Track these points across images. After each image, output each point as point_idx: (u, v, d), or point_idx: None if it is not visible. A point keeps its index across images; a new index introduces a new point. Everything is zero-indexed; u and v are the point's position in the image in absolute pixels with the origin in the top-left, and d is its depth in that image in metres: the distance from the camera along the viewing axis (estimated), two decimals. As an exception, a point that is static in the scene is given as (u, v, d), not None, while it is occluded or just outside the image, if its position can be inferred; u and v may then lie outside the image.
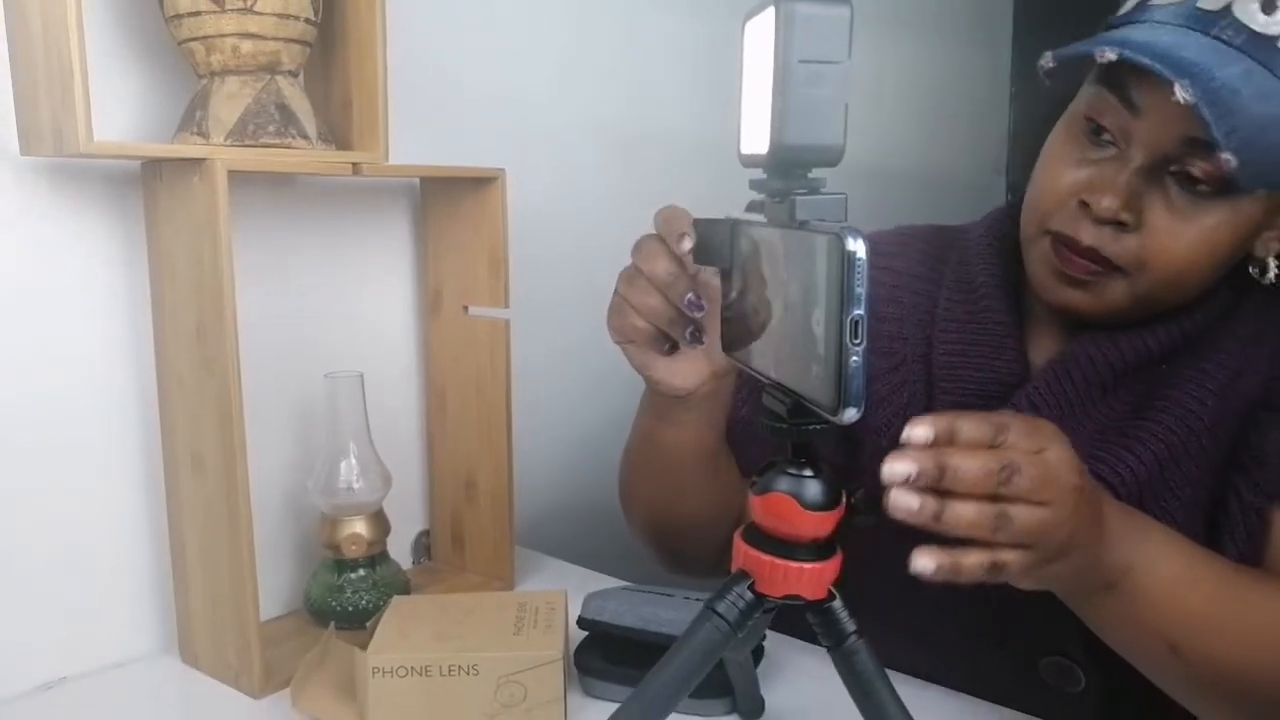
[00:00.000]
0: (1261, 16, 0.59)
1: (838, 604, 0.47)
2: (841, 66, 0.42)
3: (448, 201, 0.89)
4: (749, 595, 0.46)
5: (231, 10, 0.69)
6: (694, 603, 0.70)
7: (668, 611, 0.70)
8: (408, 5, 0.80)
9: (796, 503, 0.45)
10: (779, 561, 0.46)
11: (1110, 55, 0.60)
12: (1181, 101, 0.57)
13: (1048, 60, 0.66)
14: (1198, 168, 0.62)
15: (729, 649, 0.58)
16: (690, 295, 0.60)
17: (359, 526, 0.81)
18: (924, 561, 0.49)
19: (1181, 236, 0.64)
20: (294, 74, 0.74)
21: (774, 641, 0.78)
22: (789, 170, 0.45)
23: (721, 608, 0.46)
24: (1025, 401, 0.71)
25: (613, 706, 0.69)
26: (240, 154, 0.69)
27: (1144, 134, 0.63)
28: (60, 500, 0.73)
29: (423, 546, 0.98)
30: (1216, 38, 0.60)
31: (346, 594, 0.81)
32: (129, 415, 0.76)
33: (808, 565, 0.46)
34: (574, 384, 1.14)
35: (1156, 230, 0.64)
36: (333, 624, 0.78)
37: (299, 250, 0.85)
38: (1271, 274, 0.69)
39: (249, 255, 0.80)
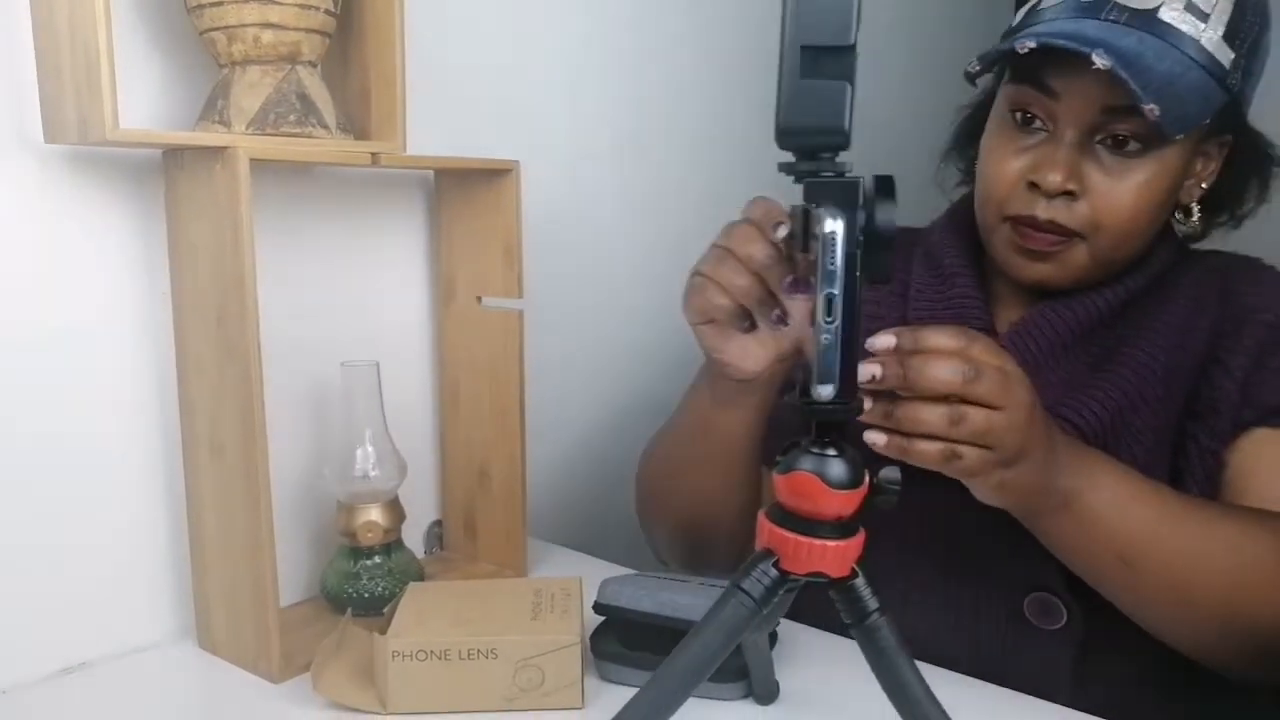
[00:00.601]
0: None
1: (860, 581, 0.47)
2: (845, 51, 0.43)
3: (462, 193, 0.90)
4: (774, 572, 0.47)
5: (253, 0, 0.69)
6: (709, 588, 0.71)
7: (683, 596, 0.70)
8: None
9: (821, 481, 0.46)
10: (803, 539, 0.46)
11: (1030, 44, 0.69)
12: (1100, 67, 0.66)
13: (973, 65, 0.74)
14: (1122, 129, 0.72)
15: (752, 627, 0.59)
16: (790, 278, 0.63)
17: (375, 514, 0.82)
18: (874, 436, 0.56)
19: (1124, 193, 0.73)
20: (314, 64, 0.75)
21: (787, 628, 0.79)
22: (800, 152, 0.46)
23: (747, 585, 0.47)
24: None
25: (629, 691, 0.70)
26: (262, 143, 0.70)
27: (1068, 113, 0.73)
28: (79, 486, 0.74)
29: (435, 536, 0.98)
30: (1105, 19, 0.71)
31: (362, 581, 0.81)
32: (148, 402, 0.77)
33: (831, 543, 0.46)
34: (585, 375, 1.15)
35: (1101, 193, 0.73)
36: (350, 610, 0.78)
37: (314, 240, 0.86)
38: (1195, 219, 0.80)
39: (264, 244, 0.81)
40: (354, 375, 0.81)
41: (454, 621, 0.70)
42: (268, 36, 0.71)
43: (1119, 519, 0.65)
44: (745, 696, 0.70)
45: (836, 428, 0.47)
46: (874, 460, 0.49)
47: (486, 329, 0.90)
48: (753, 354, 0.70)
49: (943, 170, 0.92)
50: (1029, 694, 0.71)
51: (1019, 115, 0.76)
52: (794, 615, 0.79)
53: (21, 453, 0.71)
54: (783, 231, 0.61)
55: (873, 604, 0.47)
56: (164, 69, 0.76)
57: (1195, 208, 0.79)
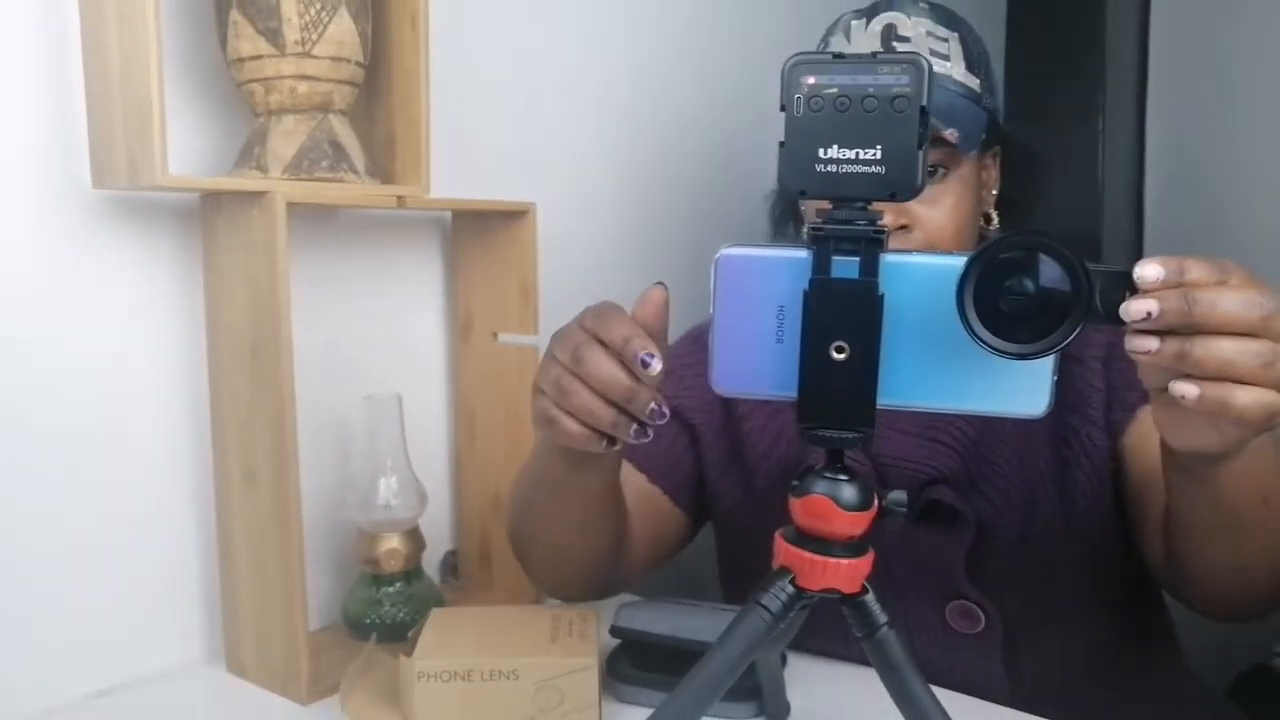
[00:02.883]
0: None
1: (870, 597, 0.51)
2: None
3: (478, 233, 0.94)
4: (790, 589, 0.50)
5: (291, 54, 0.74)
6: (720, 612, 0.74)
7: (696, 620, 0.73)
8: (439, 48, 0.85)
9: (834, 503, 0.50)
10: (817, 558, 0.50)
11: None
12: None
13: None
14: (931, 158, 0.80)
15: (769, 641, 0.63)
16: (652, 406, 0.55)
17: (396, 542, 0.85)
18: (1185, 387, 0.47)
19: (945, 214, 0.81)
20: (344, 113, 0.79)
21: (797, 657, 0.82)
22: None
23: (765, 600, 0.50)
24: None
25: (644, 711, 0.73)
26: (297, 187, 0.74)
27: None
28: (115, 515, 0.77)
29: (450, 565, 1.01)
30: None
31: (384, 607, 0.84)
32: (181, 432, 0.80)
33: (844, 561, 0.50)
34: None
35: (926, 218, 0.80)
36: (374, 635, 0.81)
37: (337, 279, 0.90)
38: (995, 224, 0.88)
39: (295, 286, 0.85)
40: (377, 407, 0.84)
41: (477, 644, 0.73)
42: (303, 88, 0.75)
43: (1273, 459, 0.62)
44: (758, 716, 0.73)
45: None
46: (882, 484, 0.53)
47: (502, 363, 0.94)
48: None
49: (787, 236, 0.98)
50: (973, 695, 0.77)
51: None
52: (803, 646, 0.82)
53: (59, 483, 0.74)
54: (657, 367, 0.54)
55: (882, 618, 0.50)
56: (198, 118, 0.80)
57: (994, 214, 0.89)
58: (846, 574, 0.50)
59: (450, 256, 0.98)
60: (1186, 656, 0.92)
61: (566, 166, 1.10)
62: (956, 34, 0.84)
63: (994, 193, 0.90)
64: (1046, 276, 0.45)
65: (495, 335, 0.94)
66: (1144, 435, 0.78)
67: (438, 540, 1.00)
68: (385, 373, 0.94)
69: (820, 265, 0.49)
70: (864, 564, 0.51)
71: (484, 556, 0.99)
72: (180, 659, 0.81)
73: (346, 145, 0.78)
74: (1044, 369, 0.48)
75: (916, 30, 0.83)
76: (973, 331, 0.45)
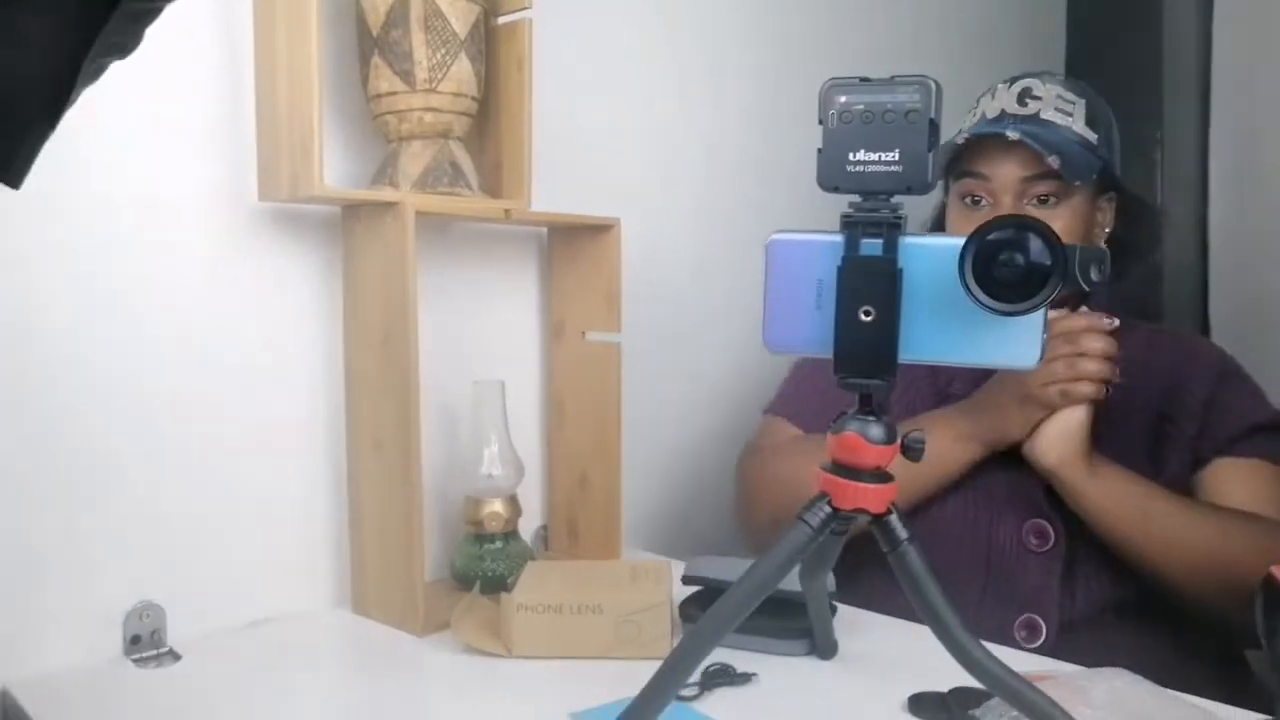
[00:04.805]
0: (1019, 107, 1.02)
1: (894, 517, 0.62)
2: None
3: (570, 245, 1.08)
4: (827, 508, 0.62)
5: (420, 90, 0.89)
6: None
7: (757, 569, 0.85)
8: (540, 83, 1.00)
9: (863, 439, 0.61)
10: (849, 483, 0.61)
11: (965, 136, 1.00)
12: (1012, 139, 0.95)
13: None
14: (1040, 190, 0.98)
15: (808, 570, 0.74)
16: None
17: (498, 506, 0.98)
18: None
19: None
20: (461, 139, 0.94)
21: (846, 609, 0.93)
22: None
23: (807, 515, 0.62)
24: None
25: (715, 649, 0.84)
26: (424, 199, 0.89)
27: (999, 187, 0.99)
28: (265, 476, 0.92)
29: (541, 539, 1.14)
30: (1006, 125, 0.99)
31: (486, 562, 0.97)
32: (320, 408, 0.95)
33: (871, 486, 0.61)
34: (676, 404, 1.31)
35: None
36: (479, 583, 0.94)
37: (453, 283, 1.05)
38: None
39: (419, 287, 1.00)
40: (483, 390, 0.98)
41: (567, 585, 0.86)
42: (429, 118, 0.90)
43: (1137, 486, 0.92)
44: (808, 653, 0.84)
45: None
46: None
47: (589, 358, 1.07)
48: None
49: None
50: (1031, 604, 0.95)
51: (968, 199, 1.02)
52: (855, 601, 0.93)
53: (223, 448, 0.89)
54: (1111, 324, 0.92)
55: (904, 534, 0.61)
56: (343, 145, 0.96)
57: (1108, 270, 1.04)
58: (873, 496, 0.61)
59: (546, 266, 1.12)
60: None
61: (648, 187, 1.24)
62: (1084, 100, 1.02)
63: (1106, 231, 1.05)
64: (1032, 251, 0.56)
65: (584, 334, 1.08)
66: (1213, 480, 0.98)
67: (530, 516, 1.13)
68: (491, 364, 1.08)
69: (851, 246, 0.61)
70: (888, 490, 0.62)
71: (571, 531, 1.11)
72: (314, 601, 0.95)
73: (463, 166, 0.93)
74: (1034, 328, 0.59)
75: (1048, 92, 1.02)
76: (971, 294, 0.57)
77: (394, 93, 0.89)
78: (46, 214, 0.78)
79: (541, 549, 1.14)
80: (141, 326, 0.84)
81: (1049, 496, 0.96)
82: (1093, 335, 0.91)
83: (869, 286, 0.61)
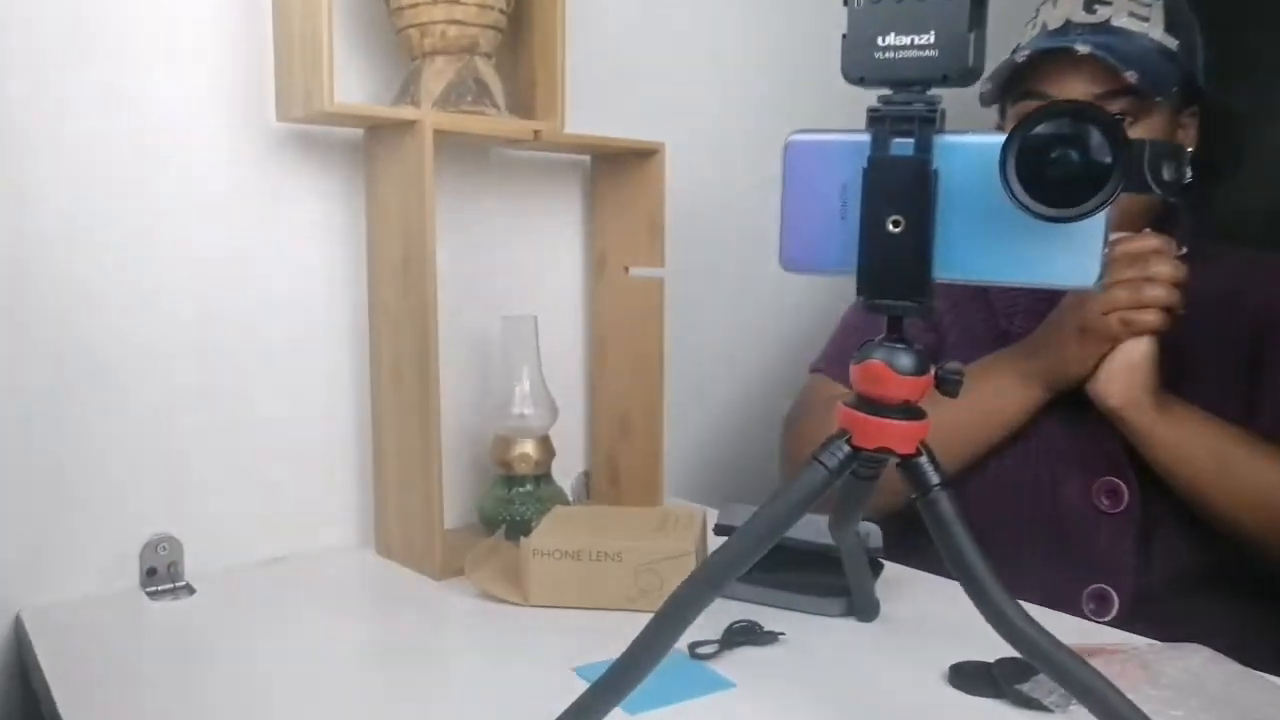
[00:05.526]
0: (1086, 14, 0.90)
1: (924, 459, 0.54)
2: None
3: (614, 174, 1.01)
4: (846, 447, 0.54)
5: (443, 1, 0.83)
6: (820, 517, 0.78)
7: (792, 520, 0.78)
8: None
9: (889, 369, 0.53)
10: (872, 419, 0.53)
11: (1025, 53, 0.87)
12: (1082, 53, 0.83)
13: (985, 85, 0.90)
14: (1115, 107, 0.86)
15: (828, 496, 0.66)
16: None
17: (528, 447, 0.93)
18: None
19: None
20: (489, 55, 0.88)
21: (891, 568, 0.85)
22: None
23: (823, 456, 0.54)
24: None
25: (742, 605, 0.78)
26: (443, 118, 0.83)
27: None
28: (288, 407, 0.89)
29: (584, 485, 1.09)
30: (1073, 35, 0.88)
31: (515, 506, 0.92)
32: (344, 334, 0.91)
33: (897, 422, 0.53)
34: (725, 349, 1.24)
35: None
36: (503, 526, 0.90)
37: (489, 214, 0.99)
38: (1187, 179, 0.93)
39: (446, 214, 0.95)
40: (514, 325, 0.93)
41: (588, 530, 0.80)
42: (452, 31, 0.84)
43: (1214, 428, 0.82)
44: (847, 614, 0.77)
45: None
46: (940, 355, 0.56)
47: (632, 294, 1.01)
48: None
49: None
50: (1101, 571, 0.86)
51: None
52: (897, 558, 0.85)
53: (245, 372, 0.86)
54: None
55: (935, 478, 0.53)
56: (369, 64, 0.91)
57: (1188, 170, 0.92)
58: (898, 434, 0.53)
59: (589, 197, 1.06)
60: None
61: (706, 111, 1.16)
62: (1161, 1, 0.90)
63: (1189, 150, 0.92)
64: (1087, 145, 0.47)
65: (626, 269, 1.01)
66: None
67: (573, 461, 1.08)
68: (532, 299, 1.02)
69: (878, 145, 0.53)
70: (918, 428, 0.54)
71: (613, 476, 1.06)
72: (338, 540, 0.92)
73: (490, 83, 0.87)
74: (1094, 239, 0.50)
75: None
76: (1014, 196, 0.48)
77: (415, 4, 0.84)
78: (59, 139, 0.76)
79: (584, 495, 1.09)
80: (162, 252, 0.81)
81: (1124, 450, 0.86)
82: (1161, 258, 0.81)
83: (898, 191, 0.52)
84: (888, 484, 0.58)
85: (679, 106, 1.13)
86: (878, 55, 0.52)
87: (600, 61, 1.03)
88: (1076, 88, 0.87)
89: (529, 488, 0.93)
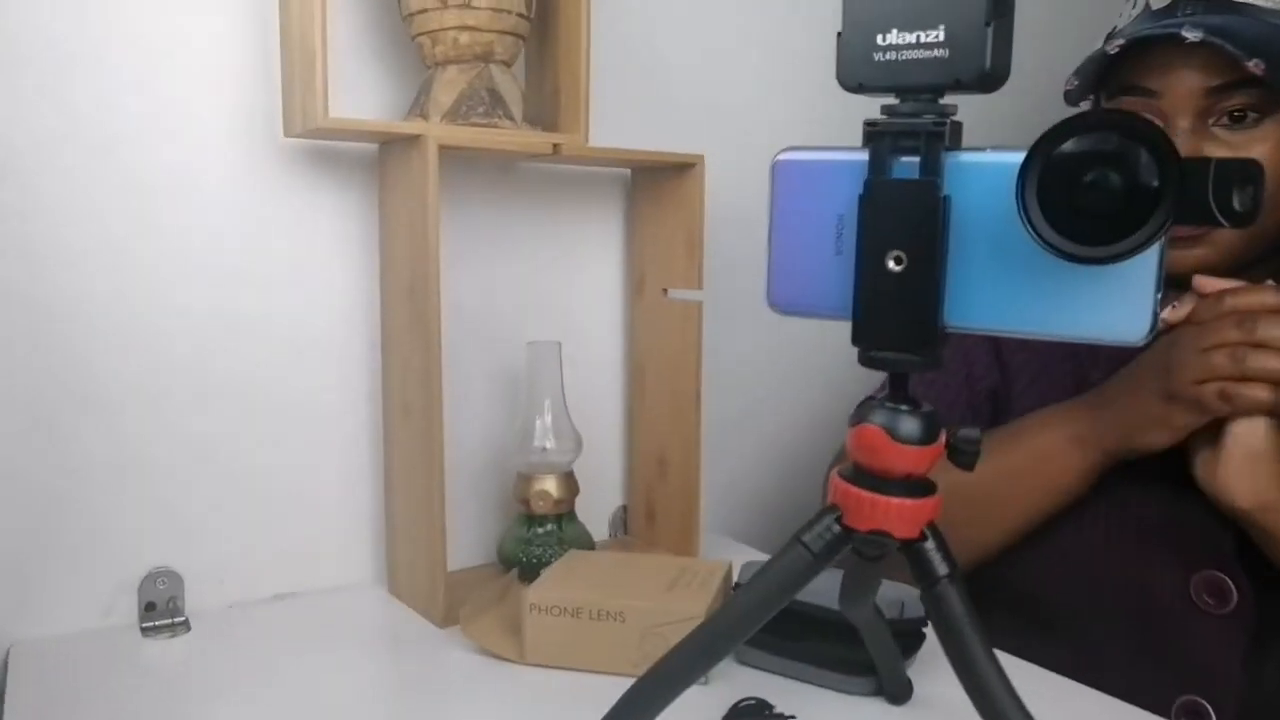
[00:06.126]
0: None
1: (930, 545, 0.44)
2: None
3: (652, 188, 0.94)
4: (836, 528, 0.45)
5: (453, 7, 0.77)
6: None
7: (819, 581, 0.68)
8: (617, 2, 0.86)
9: (888, 436, 0.44)
10: (866, 494, 0.45)
11: (1119, 43, 0.74)
12: (1191, 40, 0.69)
13: (1071, 82, 0.80)
14: (1233, 104, 0.72)
15: (849, 600, 0.57)
16: None
17: (549, 484, 0.86)
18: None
19: None
20: (507, 63, 0.82)
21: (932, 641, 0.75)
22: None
23: (807, 537, 0.45)
24: None
25: (754, 671, 0.70)
26: (450, 131, 0.78)
27: (1172, 107, 0.74)
28: (299, 438, 0.84)
29: (620, 520, 1.02)
30: (1182, 15, 0.74)
31: (534, 547, 0.86)
32: (359, 364, 0.86)
33: (896, 500, 0.44)
34: (773, 376, 1.14)
35: None
36: (516, 569, 0.83)
37: (520, 234, 0.93)
38: None
39: (465, 233, 0.89)
40: (537, 352, 0.86)
41: (593, 585, 0.73)
42: (465, 38, 0.78)
43: None
44: (875, 694, 0.67)
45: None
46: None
47: (671, 320, 0.93)
48: None
49: None
50: (1198, 682, 0.71)
51: None
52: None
53: (252, 407, 0.82)
54: None
55: (942, 569, 0.44)
56: (388, 75, 0.86)
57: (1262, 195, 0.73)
58: (899, 515, 0.44)
59: (630, 216, 0.99)
60: None
61: (747, 125, 1.07)
62: None
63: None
64: (1131, 165, 0.37)
65: (665, 291, 0.94)
66: None
67: (610, 495, 1.01)
68: (568, 324, 0.96)
69: (878, 166, 0.44)
70: (924, 507, 0.45)
71: (649, 513, 0.98)
72: (350, 578, 0.88)
73: (505, 94, 0.81)
74: (1144, 284, 0.40)
75: None
76: (1033, 229, 0.38)
77: (425, 10, 0.78)
78: (66, 152, 0.73)
79: (621, 531, 1.02)
80: (167, 276, 0.78)
81: (1234, 538, 0.71)
82: (1277, 320, 0.65)
83: (900, 221, 0.43)
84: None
85: (721, 115, 1.05)
86: (878, 56, 0.43)
87: (635, 67, 0.96)
88: (1187, 79, 0.73)
89: (550, 528, 0.86)
